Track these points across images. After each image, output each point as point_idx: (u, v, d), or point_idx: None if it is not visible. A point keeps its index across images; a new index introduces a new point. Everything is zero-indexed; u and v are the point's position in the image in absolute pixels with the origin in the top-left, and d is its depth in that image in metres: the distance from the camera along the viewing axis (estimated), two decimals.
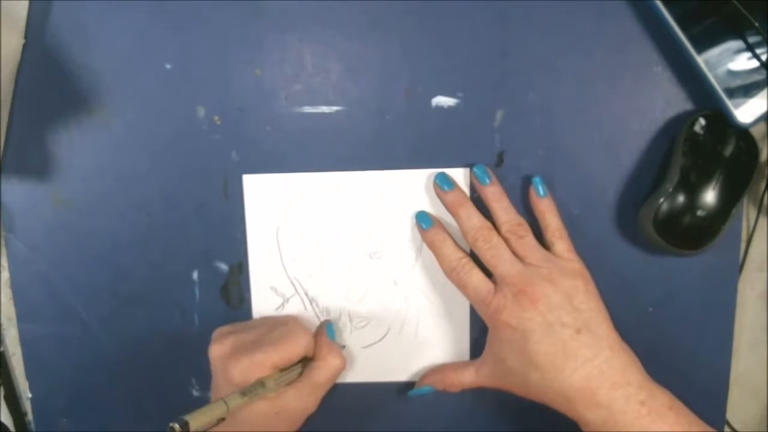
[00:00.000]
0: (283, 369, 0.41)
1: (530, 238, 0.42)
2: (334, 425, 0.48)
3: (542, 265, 0.40)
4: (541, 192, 0.43)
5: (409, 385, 0.46)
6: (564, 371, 0.38)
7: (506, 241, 0.42)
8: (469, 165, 0.44)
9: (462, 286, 0.42)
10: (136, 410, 0.48)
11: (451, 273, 0.43)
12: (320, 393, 0.42)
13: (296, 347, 0.41)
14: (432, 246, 0.44)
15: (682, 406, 0.38)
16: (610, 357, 0.38)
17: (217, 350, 0.41)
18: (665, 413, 0.37)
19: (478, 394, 0.45)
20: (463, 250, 0.43)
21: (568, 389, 0.38)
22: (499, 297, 0.40)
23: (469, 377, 0.43)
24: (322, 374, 0.42)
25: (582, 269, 0.41)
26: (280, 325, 0.43)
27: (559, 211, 0.43)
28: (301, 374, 0.42)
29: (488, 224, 0.42)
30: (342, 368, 0.43)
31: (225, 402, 0.36)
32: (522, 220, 0.42)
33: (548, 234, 0.42)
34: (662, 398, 0.38)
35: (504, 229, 0.42)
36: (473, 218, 0.42)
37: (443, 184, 0.43)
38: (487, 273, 0.42)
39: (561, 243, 0.42)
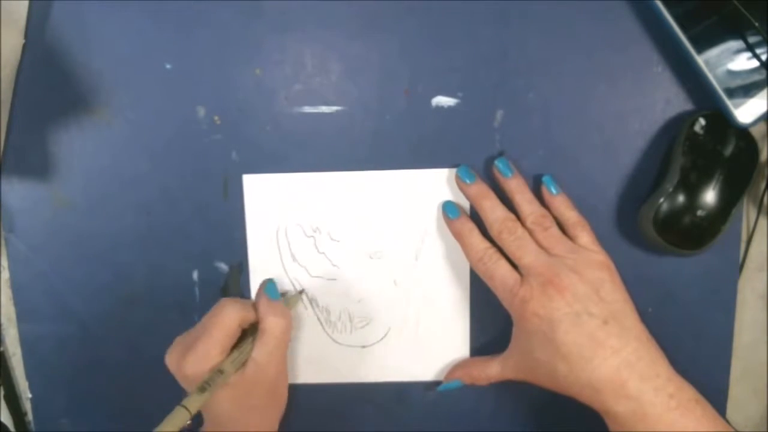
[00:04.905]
0: (234, 348, 0.40)
1: (555, 230, 0.41)
2: (334, 425, 0.48)
3: (568, 256, 0.40)
4: (554, 190, 0.43)
5: (410, 385, 0.46)
6: (592, 362, 0.37)
7: (531, 232, 0.41)
8: (463, 166, 0.44)
9: (489, 277, 0.42)
10: (136, 410, 0.48)
11: (477, 263, 0.42)
12: (279, 353, 0.41)
13: (228, 321, 0.39)
14: (459, 236, 0.43)
15: (705, 401, 0.38)
16: (638, 348, 0.38)
17: (169, 360, 0.40)
18: (693, 407, 0.37)
19: (479, 394, 0.45)
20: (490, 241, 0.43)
21: (597, 380, 0.37)
22: (526, 287, 0.39)
23: (495, 371, 0.43)
24: (268, 337, 0.40)
25: (607, 261, 0.41)
26: (213, 309, 0.41)
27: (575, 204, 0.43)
28: (252, 343, 0.41)
29: (512, 216, 0.42)
30: (284, 323, 0.41)
31: (183, 406, 0.35)
32: (546, 212, 0.42)
33: (570, 228, 0.42)
34: (689, 392, 0.37)
35: (529, 221, 0.41)
36: (497, 210, 0.42)
37: (465, 177, 0.43)
38: (512, 265, 0.41)
39: (585, 235, 0.41)
